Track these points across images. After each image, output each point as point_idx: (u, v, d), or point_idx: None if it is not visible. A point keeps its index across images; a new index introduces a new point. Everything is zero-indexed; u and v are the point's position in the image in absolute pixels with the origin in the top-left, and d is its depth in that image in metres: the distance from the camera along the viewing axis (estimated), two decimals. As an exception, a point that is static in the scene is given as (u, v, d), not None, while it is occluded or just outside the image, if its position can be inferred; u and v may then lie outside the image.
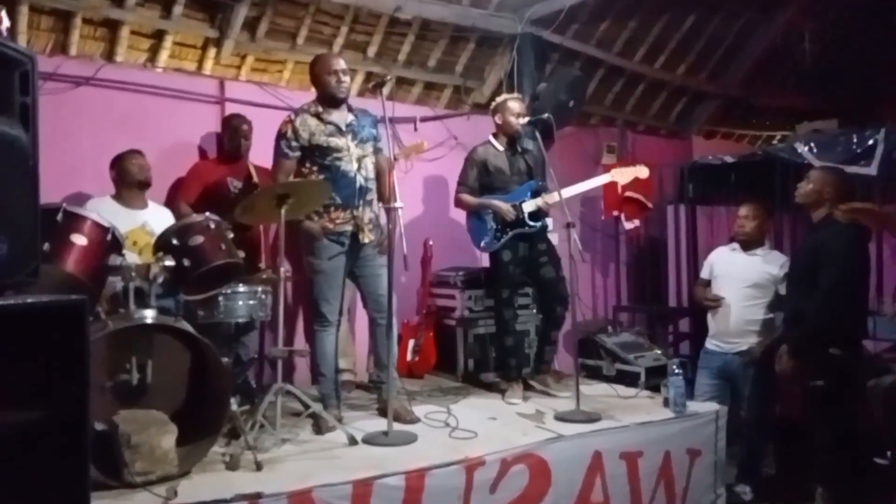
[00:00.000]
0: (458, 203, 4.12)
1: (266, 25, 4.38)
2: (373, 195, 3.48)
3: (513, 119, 3.93)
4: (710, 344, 4.11)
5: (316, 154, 3.38)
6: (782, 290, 3.87)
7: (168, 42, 4.21)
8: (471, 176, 4.06)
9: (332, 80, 3.38)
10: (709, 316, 4.13)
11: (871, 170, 4.17)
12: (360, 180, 3.40)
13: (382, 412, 3.37)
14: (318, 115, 3.40)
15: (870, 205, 3.18)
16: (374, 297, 3.53)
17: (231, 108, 4.23)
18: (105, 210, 3.06)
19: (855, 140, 4.26)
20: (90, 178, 3.71)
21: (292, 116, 3.43)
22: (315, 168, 3.40)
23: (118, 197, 3.56)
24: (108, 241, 2.64)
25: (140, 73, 4.13)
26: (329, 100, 3.42)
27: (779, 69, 6.79)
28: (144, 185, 3.60)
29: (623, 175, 4.10)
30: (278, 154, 3.42)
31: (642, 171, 4.10)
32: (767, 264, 3.95)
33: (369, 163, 3.46)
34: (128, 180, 3.56)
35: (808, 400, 3.46)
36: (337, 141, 3.38)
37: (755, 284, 3.93)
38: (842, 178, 3.53)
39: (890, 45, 6.30)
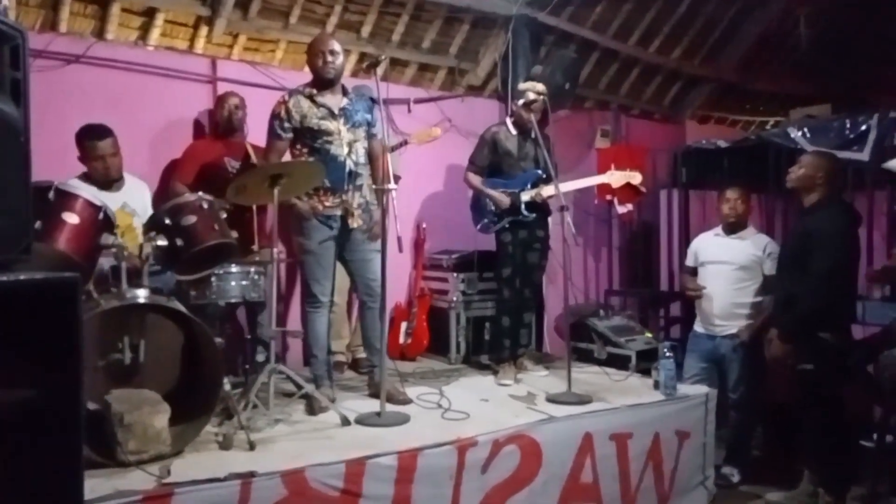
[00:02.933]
0: (466, 181, 4.19)
1: (258, 4, 4.32)
2: (363, 180, 3.47)
3: (522, 110, 3.97)
4: (699, 327, 4.14)
5: (306, 136, 3.37)
6: (766, 271, 3.91)
7: (159, 20, 4.15)
8: (480, 156, 4.13)
9: (319, 60, 3.35)
10: (697, 300, 4.15)
11: (864, 155, 4.19)
12: (349, 164, 3.39)
13: (374, 395, 3.39)
14: (311, 97, 3.38)
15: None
16: (363, 282, 3.53)
17: (223, 88, 4.19)
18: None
19: (848, 125, 4.27)
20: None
21: (286, 97, 3.41)
22: (305, 150, 3.39)
23: (90, 178, 3.41)
24: (100, 220, 2.62)
25: (131, 52, 4.08)
26: (320, 81, 3.40)
27: (773, 54, 6.78)
28: (108, 182, 3.42)
29: (616, 178, 4.19)
30: (271, 134, 3.41)
31: (635, 178, 4.20)
32: (753, 246, 3.98)
33: (360, 147, 3.44)
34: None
35: (797, 383, 3.49)
36: (328, 124, 3.36)
37: (742, 267, 3.96)
38: (834, 163, 3.55)
39: (883, 31, 6.30)
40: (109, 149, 3.42)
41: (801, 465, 3.63)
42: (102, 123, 3.45)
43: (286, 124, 3.36)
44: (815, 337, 3.33)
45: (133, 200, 3.44)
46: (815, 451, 3.50)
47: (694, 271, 4.20)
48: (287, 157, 3.48)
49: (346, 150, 3.38)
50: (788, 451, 3.89)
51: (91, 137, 3.40)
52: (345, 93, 3.45)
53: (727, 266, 3.99)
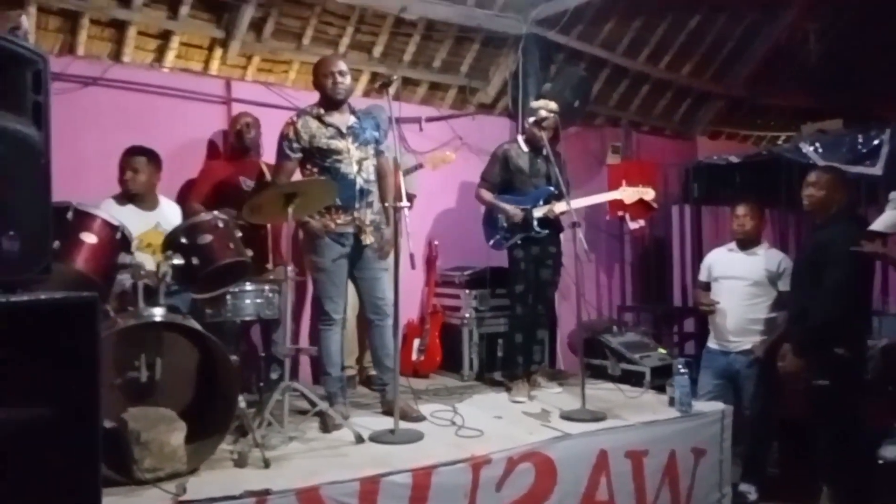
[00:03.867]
0: (478, 196, 4.21)
1: (272, 26, 4.39)
2: (373, 197, 3.49)
3: (535, 128, 4.01)
4: (713, 343, 4.12)
5: (316, 156, 3.40)
6: (782, 287, 3.89)
7: (175, 42, 4.23)
8: (492, 172, 4.17)
9: (329, 81, 3.38)
10: (710, 315, 4.13)
11: (877, 170, 4.18)
12: (360, 182, 3.41)
13: (388, 413, 3.39)
14: (319, 118, 3.41)
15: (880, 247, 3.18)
16: (371, 301, 3.53)
17: (238, 108, 4.26)
18: (115, 213, 3.04)
19: (860, 140, 4.26)
20: (98, 178, 3.71)
21: (294, 118, 3.44)
22: (316, 170, 3.42)
23: (126, 197, 3.52)
24: (118, 240, 2.66)
25: (147, 74, 4.16)
26: (328, 101, 3.43)
27: (783, 69, 6.78)
28: (132, 195, 3.50)
29: (629, 194, 4.20)
30: (280, 155, 3.45)
31: (648, 194, 4.21)
32: (767, 262, 3.96)
33: (370, 165, 3.47)
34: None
35: (812, 399, 3.46)
36: (337, 143, 3.39)
37: (756, 283, 3.94)
38: (846, 177, 3.56)
39: (894, 44, 6.29)
40: (134, 164, 3.49)
41: (818, 483, 3.59)
42: (149, 147, 3.58)
43: (294, 145, 3.39)
44: (829, 352, 3.29)
45: (166, 221, 3.50)
46: (832, 467, 3.45)
47: (707, 286, 4.18)
48: (297, 177, 3.50)
49: (355, 168, 3.40)
50: (806, 468, 3.84)
51: (128, 153, 3.52)
52: (352, 112, 3.49)
53: (740, 282, 3.97)
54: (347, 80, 3.42)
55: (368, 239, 3.45)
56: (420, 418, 3.32)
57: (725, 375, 4.01)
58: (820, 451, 3.48)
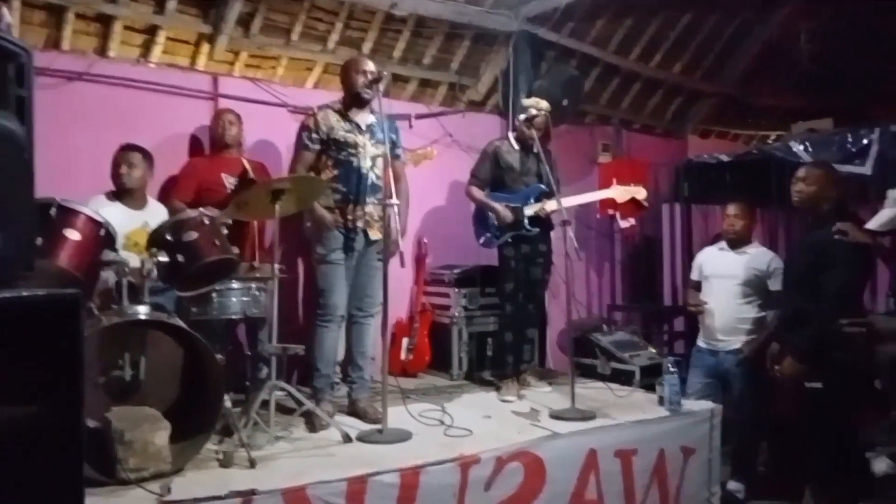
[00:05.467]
0: (468, 194, 4.20)
1: (260, 21, 4.35)
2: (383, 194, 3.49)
3: (525, 126, 4.00)
4: (702, 342, 4.12)
5: (332, 148, 3.47)
6: (772, 287, 3.89)
7: (161, 37, 4.16)
8: (482, 169, 4.15)
9: (361, 78, 3.46)
10: (700, 315, 4.13)
11: (866, 169, 4.19)
12: (372, 177, 3.48)
13: (351, 413, 3.44)
14: (340, 112, 3.50)
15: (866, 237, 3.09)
16: (360, 296, 3.55)
17: (224, 104, 4.21)
18: (104, 210, 3.02)
19: (850, 139, 4.27)
20: (84, 174, 3.68)
21: (315, 110, 3.53)
22: (330, 163, 3.48)
23: (114, 195, 3.51)
24: (102, 236, 2.62)
25: (133, 69, 4.10)
26: (354, 99, 3.52)
27: (774, 69, 6.79)
28: (125, 191, 3.50)
29: (621, 193, 4.21)
30: (299, 145, 3.53)
31: (639, 193, 4.23)
32: (756, 262, 3.96)
33: (383, 163, 3.47)
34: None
35: (805, 401, 3.41)
36: (354, 137, 3.47)
37: (745, 282, 3.94)
38: (835, 172, 3.51)
39: (885, 45, 6.32)
40: (129, 159, 3.50)
41: (805, 484, 3.58)
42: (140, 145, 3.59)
43: (314, 136, 3.48)
44: (827, 355, 3.21)
45: (154, 221, 3.46)
46: (821, 471, 3.41)
47: (699, 285, 4.18)
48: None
49: (369, 163, 3.48)
50: (795, 467, 3.84)
51: (121, 149, 3.53)
52: (372, 112, 3.53)
53: (730, 281, 3.98)
54: (376, 82, 3.41)
55: (376, 235, 3.47)
56: (377, 421, 3.21)
57: (714, 374, 4.01)
58: (811, 453, 3.44)
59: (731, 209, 4.04)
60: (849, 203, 3.71)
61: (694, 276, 4.25)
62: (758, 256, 3.99)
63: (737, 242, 4.03)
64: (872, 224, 3.04)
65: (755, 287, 3.93)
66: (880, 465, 3.63)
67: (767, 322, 3.89)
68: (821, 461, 3.40)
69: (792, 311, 3.45)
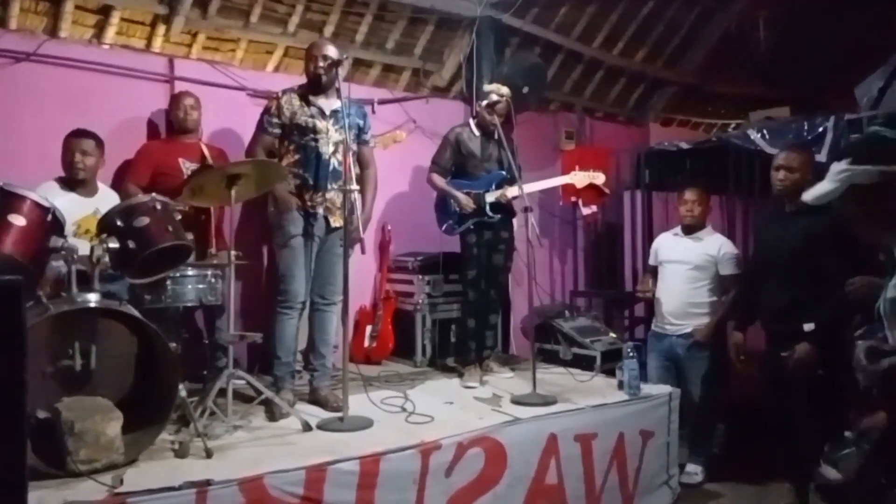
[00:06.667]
0: (429, 181, 4.17)
1: (218, 2, 4.24)
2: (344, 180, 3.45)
3: (486, 112, 3.97)
4: (656, 327, 4.18)
5: (294, 133, 3.45)
6: (723, 272, 3.96)
7: (115, 18, 4.04)
8: (444, 156, 4.13)
9: (311, 65, 3.45)
10: (655, 298, 4.17)
11: (822, 156, 4.23)
12: (334, 163, 3.44)
13: (313, 402, 3.42)
14: (303, 97, 3.47)
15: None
16: (321, 283, 3.51)
17: (181, 87, 4.11)
18: (53, 197, 2.92)
19: (805, 127, 4.33)
20: (32, 159, 3.57)
21: (279, 94, 3.50)
22: (291, 147, 3.47)
23: (66, 182, 3.40)
24: (49, 222, 2.53)
25: (85, 50, 3.98)
26: (312, 83, 3.49)
27: (734, 57, 6.88)
28: (77, 179, 3.39)
29: (580, 178, 4.24)
30: (259, 128, 3.52)
31: (598, 178, 4.27)
32: (708, 247, 4.02)
33: (343, 149, 3.43)
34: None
35: (801, 391, 3.22)
36: (317, 123, 3.44)
37: (697, 267, 4.00)
38: (814, 156, 3.47)
39: (841, 35, 6.44)
40: (83, 146, 3.39)
41: (770, 468, 3.58)
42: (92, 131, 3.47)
43: (274, 120, 3.46)
44: (833, 343, 3.02)
45: (105, 207, 3.35)
46: (810, 461, 3.28)
47: (655, 270, 4.23)
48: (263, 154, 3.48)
49: (331, 148, 3.44)
50: (752, 451, 3.90)
51: (73, 135, 3.42)
52: (339, 97, 3.43)
53: (683, 266, 4.03)
54: (336, 66, 3.35)
55: (337, 222, 3.44)
56: (338, 409, 3.17)
57: (668, 357, 4.07)
58: (806, 444, 3.19)
59: (690, 195, 4.08)
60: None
61: (651, 261, 4.31)
62: (710, 242, 4.05)
63: (693, 228, 4.08)
64: (808, 196, 2.89)
65: (706, 272, 4.00)
66: (830, 473, 3.68)
67: (720, 306, 3.96)
68: (813, 451, 3.28)
69: (790, 301, 3.26)
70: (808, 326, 3.20)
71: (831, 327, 3.08)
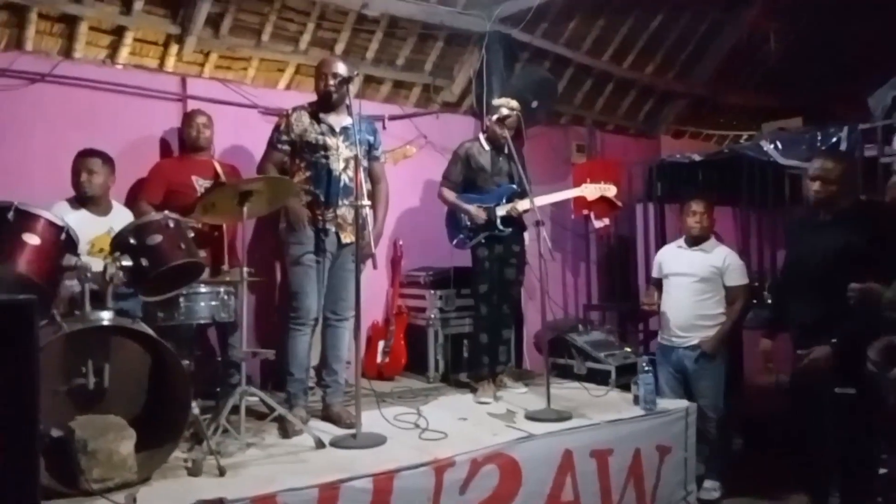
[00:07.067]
0: (440, 196, 4.18)
1: (230, 22, 4.28)
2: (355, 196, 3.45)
3: (496, 126, 3.98)
4: (663, 339, 4.13)
5: (305, 150, 3.47)
6: (728, 283, 3.93)
7: (128, 38, 4.09)
8: (454, 171, 4.13)
9: (321, 82, 3.48)
10: (661, 311, 4.13)
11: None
12: (344, 179, 3.45)
13: (325, 418, 3.40)
14: (313, 115, 3.49)
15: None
16: (333, 299, 3.51)
17: (193, 106, 4.14)
18: (67, 216, 2.94)
19: (819, 137, 4.30)
20: (45, 178, 3.59)
21: (289, 111, 3.53)
22: (302, 164, 3.48)
23: (77, 201, 3.43)
24: (63, 241, 2.55)
25: (99, 70, 4.02)
26: (323, 100, 3.51)
27: (745, 69, 6.86)
28: (87, 198, 3.42)
29: (591, 191, 4.21)
30: (269, 145, 3.55)
31: (610, 190, 4.24)
32: (713, 258, 3.99)
33: (355, 165, 3.43)
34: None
35: (835, 407, 3.09)
36: (327, 140, 3.46)
37: (703, 279, 3.96)
38: (854, 163, 3.34)
39: (852, 44, 6.40)
40: (89, 166, 3.42)
41: (800, 492, 3.49)
42: (101, 150, 3.51)
43: (284, 137, 3.49)
44: (862, 359, 2.84)
45: (119, 226, 3.38)
46: (846, 479, 3.17)
47: (659, 283, 4.19)
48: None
49: (342, 165, 3.45)
50: (768, 463, 3.85)
51: (81, 155, 3.45)
52: (350, 115, 3.45)
53: (688, 278, 3.99)
54: (346, 83, 3.36)
55: (349, 238, 3.44)
56: (351, 425, 3.14)
57: (678, 370, 4.02)
58: (833, 461, 3.21)
59: (698, 206, 4.04)
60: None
61: (655, 273, 4.26)
62: (716, 253, 4.01)
63: (700, 239, 4.05)
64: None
65: (712, 283, 3.96)
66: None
67: (729, 316, 3.92)
68: (845, 469, 3.19)
69: (822, 314, 3.10)
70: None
71: (859, 342, 2.87)
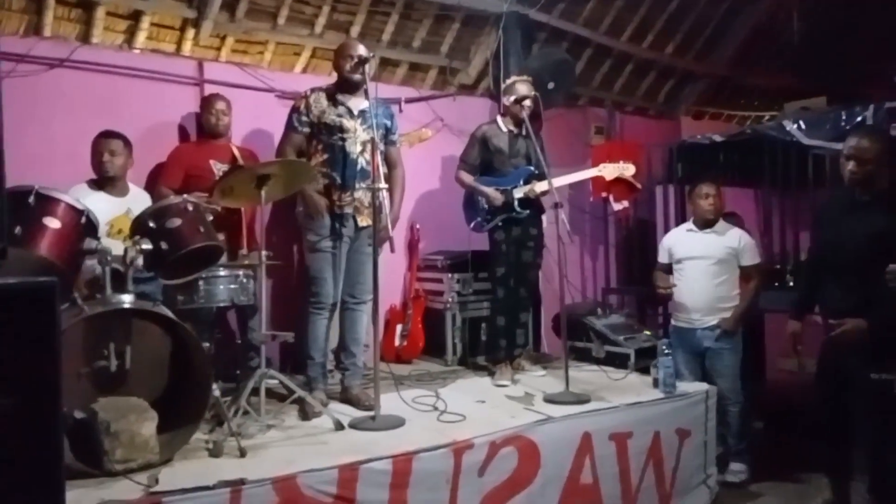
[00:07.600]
0: (457, 179, 4.16)
1: (246, 5, 4.27)
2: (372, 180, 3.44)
3: (514, 107, 3.93)
4: (679, 322, 4.07)
5: (322, 132, 3.46)
6: (744, 262, 3.92)
7: (145, 23, 4.09)
8: (472, 154, 4.11)
9: (347, 64, 3.43)
10: (676, 294, 4.07)
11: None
12: (361, 162, 3.45)
13: (344, 401, 3.41)
14: (332, 97, 3.48)
15: None
16: (351, 282, 3.52)
17: (210, 90, 4.14)
18: (86, 198, 2.96)
19: (844, 117, 4.21)
20: (65, 162, 3.60)
21: (308, 93, 3.52)
22: (320, 147, 3.48)
23: (96, 183, 3.46)
24: (83, 224, 2.56)
25: (116, 55, 4.03)
26: (344, 83, 3.49)
27: (766, 49, 6.74)
28: (107, 179, 3.44)
29: (609, 171, 4.13)
30: (288, 126, 3.54)
31: (628, 170, 4.15)
32: (728, 240, 3.95)
33: (371, 148, 3.41)
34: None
35: (866, 394, 3.02)
36: (345, 122, 3.45)
37: (720, 261, 3.92)
38: (890, 140, 3.22)
39: (875, 22, 6.27)
40: (111, 146, 3.44)
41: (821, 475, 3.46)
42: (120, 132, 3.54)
43: (304, 118, 3.47)
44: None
45: (137, 208, 3.41)
46: (878, 464, 3.10)
47: (669, 268, 4.13)
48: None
49: (359, 148, 3.45)
50: (790, 447, 3.82)
51: (101, 136, 3.47)
52: (367, 97, 3.44)
53: (704, 261, 3.94)
54: (365, 65, 3.34)
55: (366, 221, 3.44)
56: (370, 408, 3.15)
57: (696, 352, 3.98)
58: (867, 446, 3.14)
59: (710, 189, 3.99)
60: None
61: (663, 259, 4.19)
62: (730, 235, 3.97)
63: (712, 222, 4.00)
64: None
65: (729, 265, 3.93)
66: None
67: (747, 295, 3.90)
68: (876, 455, 3.11)
69: (858, 298, 3.00)
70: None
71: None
